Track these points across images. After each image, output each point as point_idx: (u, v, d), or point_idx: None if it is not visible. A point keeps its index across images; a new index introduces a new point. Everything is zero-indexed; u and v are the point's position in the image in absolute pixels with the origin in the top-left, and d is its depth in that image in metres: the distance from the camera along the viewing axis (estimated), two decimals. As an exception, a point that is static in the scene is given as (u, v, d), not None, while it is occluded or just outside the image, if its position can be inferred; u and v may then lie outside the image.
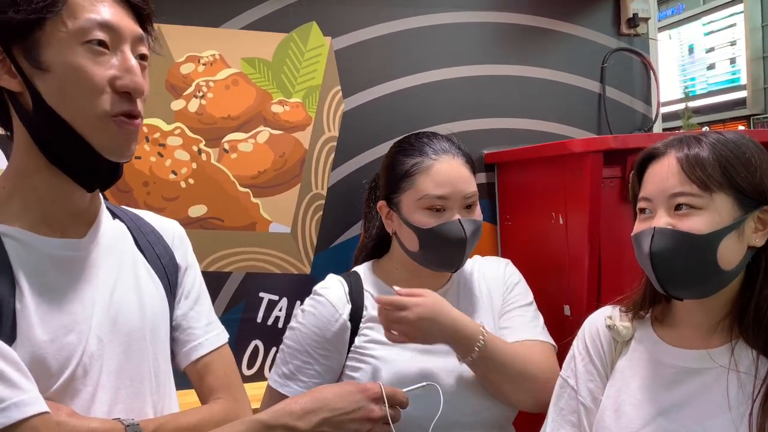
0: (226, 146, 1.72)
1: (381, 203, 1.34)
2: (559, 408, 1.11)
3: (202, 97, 1.70)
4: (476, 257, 1.44)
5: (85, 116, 0.77)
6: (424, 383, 1.04)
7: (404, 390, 0.95)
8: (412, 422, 1.01)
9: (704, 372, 0.96)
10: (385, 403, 0.90)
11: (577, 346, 1.12)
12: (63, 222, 0.82)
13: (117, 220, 0.92)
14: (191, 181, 1.69)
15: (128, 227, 0.93)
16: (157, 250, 0.95)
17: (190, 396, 1.01)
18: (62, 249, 0.81)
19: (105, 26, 0.76)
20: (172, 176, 1.67)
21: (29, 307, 0.75)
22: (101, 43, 0.76)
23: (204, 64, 1.70)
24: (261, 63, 1.75)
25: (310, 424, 0.84)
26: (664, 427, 0.96)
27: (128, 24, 0.79)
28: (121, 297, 0.86)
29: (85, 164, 0.79)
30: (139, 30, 0.81)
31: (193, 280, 1.01)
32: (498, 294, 1.35)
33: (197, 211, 1.69)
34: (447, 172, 1.24)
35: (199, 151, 1.70)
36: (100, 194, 0.88)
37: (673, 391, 0.98)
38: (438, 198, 1.23)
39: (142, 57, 0.81)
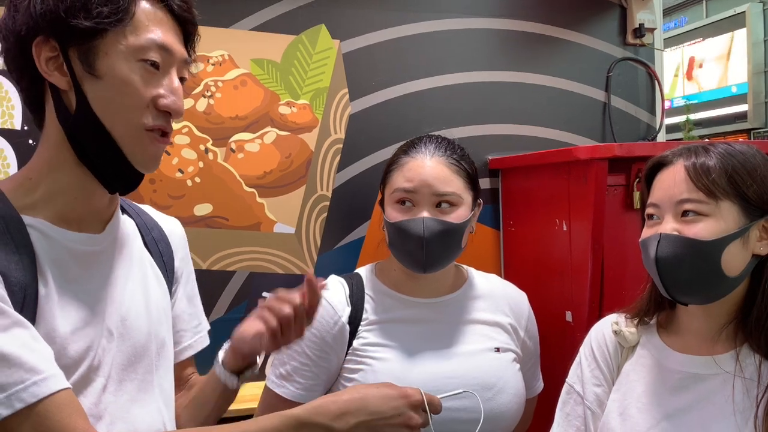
0: (233, 146, 1.73)
1: (379, 200, 1.36)
2: (565, 413, 1.12)
3: (211, 96, 1.71)
4: (494, 277, 1.42)
5: (125, 127, 0.80)
6: (460, 390, 1.02)
7: (440, 396, 0.93)
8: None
9: (709, 378, 0.98)
10: (426, 410, 0.88)
11: (583, 352, 1.14)
12: (81, 218, 0.83)
13: (125, 216, 0.94)
14: (197, 179, 1.70)
15: (136, 223, 0.95)
16: (160, 247, 0.97)
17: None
18: (82, 243, 0.82)
19: (162, 48, 0.80)
20: (178, 174, 1.68)
21: (52, 297, 0.77)
22: (154, 64, 0.80)
23: (213, 64, 1.71)
24: (270, 64, 1.76)
25: (346, 425, 0.82)
26: (668, 430, 0.97)
27: (179, 48, 0.83)
28: (131, 294, 0.88)
29: (114, 169, 0.82)
30: (185, 54, 0.85)
31: (187, 281, 1.04)
32: (515, 319, 1.34)
33: (203, 209, 1.70)
34: (417, 168, 1.24)
35: (206, 150, 1.71)
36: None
37: (678, 396, 0.99)
38: (405, 192, 1.23)
39: (181, 80, 0.85)
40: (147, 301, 0.90)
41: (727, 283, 0.96)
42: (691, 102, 9.18)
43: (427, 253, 1.21)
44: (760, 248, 0.96)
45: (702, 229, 0.94)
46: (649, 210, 1.02)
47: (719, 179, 0.94)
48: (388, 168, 1.30)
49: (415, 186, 1.23)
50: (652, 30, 2.08)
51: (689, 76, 9.45)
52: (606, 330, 1.12)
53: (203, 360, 1.06)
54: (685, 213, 0.96)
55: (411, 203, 1.23)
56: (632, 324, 1.09)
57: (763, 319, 0.95)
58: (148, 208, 1.01)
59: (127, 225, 0.92)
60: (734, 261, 0.94)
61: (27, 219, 0.78)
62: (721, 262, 0.94)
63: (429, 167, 1.24)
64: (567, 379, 1.15)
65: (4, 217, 0.76)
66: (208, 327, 1.08)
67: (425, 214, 1.21)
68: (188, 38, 0.86)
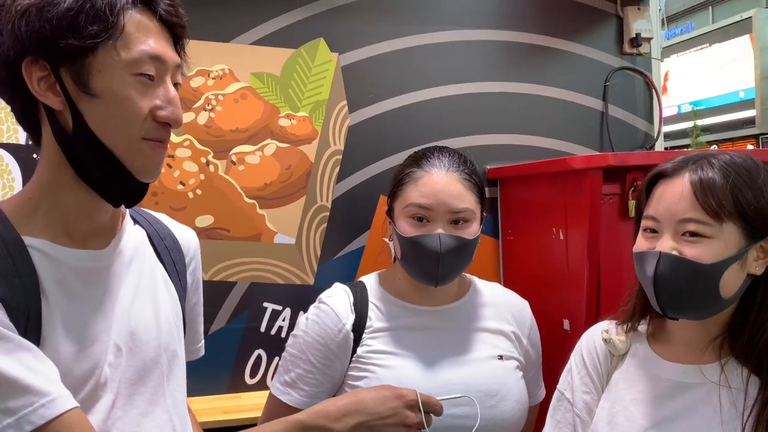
0: (234, 158, 1.75)
1: (387, 209, 1.37)
2: (556, 421, 1.13)
3: (211, 110, 1.74)
4: (496, 285, 1.44)
5: (125, 142, 0.78)
6: (459, 395, 1.05)
7: (439, 398, 0.96)
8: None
9: (696, 387, 0.98)
10: (420, 410, 0.92)
11: (574, 359, 1.14)
12: (85, 235, 0.82)
13: (137, 226, 0.93)
14: (199, 191, 1.72)
15: (148, 233, 0.94)
16: (173, 255, 0.96)
17: (195, 404, 1.03)
18: (85, 260, 0.81)
19: (155, 59, 0.78)
20: (180, 187, 1.71)
21: (55, 318, 0.76)
22: (150, 76, 0.78)
23: (214, 78, 1.74)
24: (269, 77, 1.79)
25: (346, 426, 0.87)
26: None
27: (171, 55, 0.81)
28: (140, 308, 0.87)
29: (117, 184, 0.80)
30: (178, 59, 0.83)
31: (198, 292, 1.04)
32: (518, 327, 1.36)
33: (204, 221, 1.72)
34: (433, 184, 1.25)
35: (207, 163, 1.73)
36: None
37: (666, 404, 0.99)
38: (420, 207, 1.24)
39: (175, 85, 0.83)
40: (157, 313, 0.88)
41: (722, 303, 0.95)
42: (698, 108, 9.15)
43: (441, 269, 1.23)
44: (755, 268, 0.95)
45: (703, 251, 0.91)
46: (647, 222, 0.99)
47: (725, 200, 0.91)
48: (400, 179, 1.30)
49: (431, 203, 1.23)
50: (648, 39, 2.09)
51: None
52: (596, 337, 1.12)
53: (194, 370, 1.03)
54: (686, 232, 0.93)
55: (426, 219, 1.24)
56: (623, 332, 1.10)
57: (756, 337, 0.94)
58: (162, 216, 1.00)
59: (137, 236, 0.91)
60: (731, 283, 0.93)
61: (28, 240, 0.76)
62: (719, 285, 0.92)
63: (445, 183, 1.25)
64: (558, 386, 1.15)
65: (5, 241, 0.74)
66: (202, 341, 1.06)
67: (440, 230, 1.23)
68: (177, 41, 0.83)
